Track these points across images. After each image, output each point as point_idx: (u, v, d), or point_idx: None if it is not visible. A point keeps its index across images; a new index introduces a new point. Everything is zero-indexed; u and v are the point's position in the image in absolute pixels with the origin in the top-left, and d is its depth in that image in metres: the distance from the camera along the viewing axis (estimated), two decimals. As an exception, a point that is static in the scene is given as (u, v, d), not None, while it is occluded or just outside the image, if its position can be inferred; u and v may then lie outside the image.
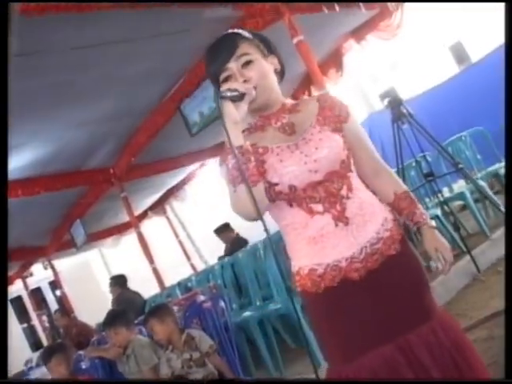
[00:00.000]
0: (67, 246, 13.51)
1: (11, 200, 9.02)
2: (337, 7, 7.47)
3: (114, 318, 4.85)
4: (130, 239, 14.81)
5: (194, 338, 4.27)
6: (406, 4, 8.89)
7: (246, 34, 2.19)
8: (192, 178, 13.65)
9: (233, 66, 2.11)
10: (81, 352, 5.44)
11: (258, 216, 2.03)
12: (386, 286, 2.08)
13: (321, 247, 2.08)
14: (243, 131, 2.14)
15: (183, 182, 13.93)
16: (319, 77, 7.19)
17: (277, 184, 2.06)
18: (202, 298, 5.24)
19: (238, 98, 1.99)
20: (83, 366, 4.78)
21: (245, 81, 2.08)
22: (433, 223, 2.28)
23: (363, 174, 2.26)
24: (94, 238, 14.17)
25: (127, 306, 8.14)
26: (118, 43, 6.20)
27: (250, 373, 5.50)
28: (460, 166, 4.91)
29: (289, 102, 2.27)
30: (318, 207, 2.08)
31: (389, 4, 8.64)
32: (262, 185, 2.02)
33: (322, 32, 8.55)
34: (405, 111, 5.02)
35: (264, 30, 7.08)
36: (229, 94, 1.98)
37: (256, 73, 2.11)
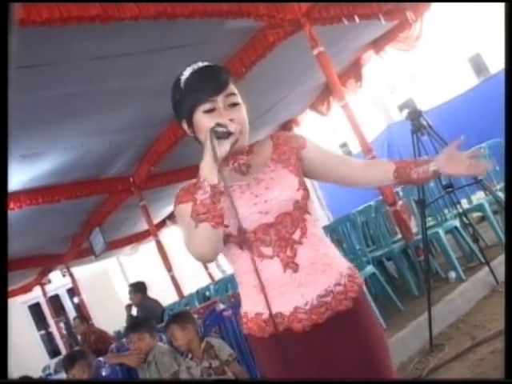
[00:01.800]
0: (86, 253, 13.61)
1: (32, 208, 9.12)
2: (357, 19, 7.51)
3: (139, 324, 4.89)
4: (147, 248, 14.89)
5: (213, 347, 4.27)
6: (426, 15, 8.91)
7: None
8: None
9: (220, 100, 2.01)
10: (100, 359, 5.46)
11: (210, 260, 2.00)
12: (332, 343, 1.98)
13: (268, 293, 1.99)
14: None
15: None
16: (338, 88, 7.22)
17: (227, 226, 1.96)
18: (221, 306, 5.26)
19: (225, 135, 1.93)
20: (103, 373, 4.79)
21: (230, 120, 1.99)
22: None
23: (348, 177, 2.18)
24: (113, 246, 14.23)
25: (149, 314, 8.18)
26: (139, 54, 6.27)
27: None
28: (479, 177, 4.89)
29: (248, 145, 2.18)
30: (268, 251, 2.00)
31: (408, 15, 8.66)
32: (222, 229, 1.92)
33: (342, 43, 8.60)
34: (424, 123, 5.01)
35: (284, 41, 7.15)
36: (220, 129, 1.92)
37: (240, 116, 2.04)
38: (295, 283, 1.98)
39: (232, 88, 2.06)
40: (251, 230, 2.00)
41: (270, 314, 1.98)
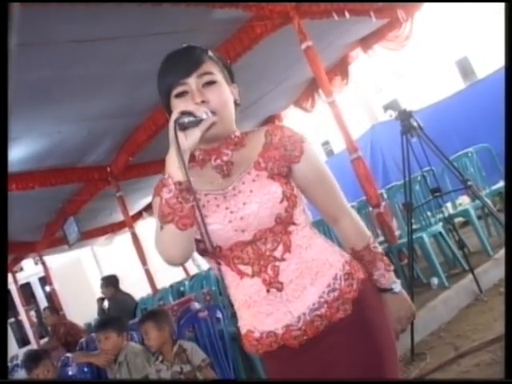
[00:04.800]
0: (59, 242, 13.37)
1: (5, 194, 8.88)
2: (347, 14, 7.34)
3: (105, 323, 4.68)
4: (123, 239, 14.71)
5: (185, 350, 4.08)
6: (417, 15, 8.79)
7: (211, 53, 1.90)
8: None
9: (192, 82, 1.81)
10: (69, 355, 5.27)
11: (180, 263, 1.81)
12: (333, 354, 1.81)
13: (254, 312, 1.85)
14: None
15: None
16: (326, 84, 7.05)
17: (200, 241, 1.81)
18: (196, 305, 5.08)
19: (194, 123, 1.70)
20: (70, 372, 4.60)
21: (203, 101, 1.78)
22: (394, 288, 1.99)
23: (324, 218, 2.01)
24: (87, 235, 14.00)
25: (121, 309, 8.02)
26: (121, 40, 6.07)
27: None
28: (469, 183, 4.76)
29: (238, 134, 1.93)
30: (247, 269, 1.82)
31: (399, 14, 8.52)
32: (194, 229, 1.73)
33: (330, 39, 8.45)
34: (415, 124, 4.87)
35: (272, 34, 6.98)
36: (186, 120, 1.69)
37: (217, 97, 1.82)
38: (282, 301, 1.80)
39: (208, 66, 1.84)
40: (227, 247, 1.82)
41: (262, 334, 1.84)
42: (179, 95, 1.83)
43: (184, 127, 1.69)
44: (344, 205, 1.98)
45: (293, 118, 12.35)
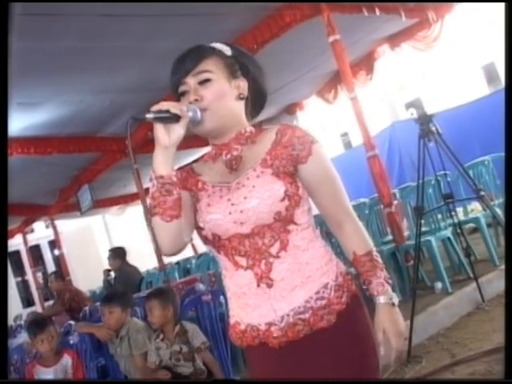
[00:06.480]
0: (72, 208, 13.49)
1: (22, 156, 9.00)
2: (377, 11, 7.33)
3: (111, 298, 4.76)
4: (134, 210, 14.79)
5: (186, 332, 4.16)
6: (447, 17, 8.76)
7: (223, 48, 1.98)
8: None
9: (190, 81, 1.91)
10: (71, 323, 5.35)
11: (172, 254, 1.92)
12: (310, 362, 1.86)
13: (243, 304, 1.92)
14: (202, 157, 2.08)
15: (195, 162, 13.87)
16: (350, 79, 7.05)
17: (202, 229, 1.90)
18: (201, 287, 5.14)
19: (171, 120, 1.80)
20: (71, 341, 4.66)
21: (196, 100, 1.88)
22: (392, 299, 1.94)
23: (326, 222, 2.02)
24: (100, 204, 14.05)
25: (126, 281, 8.10)
26: (149, 17, 6.12)
27: (240, 368, 5.37)
28: (482, 193, 4.78)
29: (249, 129, 2.00)
30: (242, 261, 1.88)
31: (430, 15, 8.49)
32: (181, 221, 1.83)
33: (358, 34, 8.44)
34: (433, 129, 4.88)
35: (300, 24, 6.98)
36: (152, 115, 1.80)
37: (211, 93, 1.89)
38: (269, 298, 1.86)
39: (206, 64, 1.92)
40: (225, 237, 1.89)
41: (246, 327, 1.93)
42: (181, 94, 1.95)
43: (166, 122, 1.81)
44: (349, 210, 2.00)
45: (314, 108, 12.36)
